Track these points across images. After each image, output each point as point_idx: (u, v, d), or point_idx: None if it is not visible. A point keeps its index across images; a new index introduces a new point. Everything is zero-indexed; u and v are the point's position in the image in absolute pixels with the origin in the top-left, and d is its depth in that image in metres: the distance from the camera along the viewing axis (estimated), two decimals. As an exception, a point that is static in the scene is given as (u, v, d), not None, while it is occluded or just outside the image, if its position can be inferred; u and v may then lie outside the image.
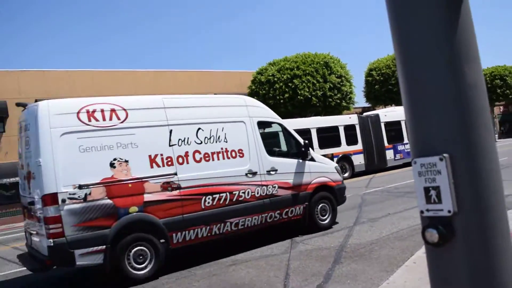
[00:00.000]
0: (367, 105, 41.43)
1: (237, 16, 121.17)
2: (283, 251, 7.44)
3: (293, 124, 20.14)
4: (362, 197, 13.31)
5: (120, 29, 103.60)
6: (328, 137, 21.01)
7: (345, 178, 20.31)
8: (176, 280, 6.42)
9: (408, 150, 23.08)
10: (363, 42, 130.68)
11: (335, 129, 21.44)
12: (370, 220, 9.36)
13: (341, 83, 31.66)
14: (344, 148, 21.35)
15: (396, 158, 23.10)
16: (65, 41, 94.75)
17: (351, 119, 22.38)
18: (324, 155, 19.68)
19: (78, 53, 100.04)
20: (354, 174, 21.38)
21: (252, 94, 32.26)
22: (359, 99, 39.64)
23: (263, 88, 31.28)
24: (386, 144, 22.83)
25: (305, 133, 19.52)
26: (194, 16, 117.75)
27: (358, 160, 21.84)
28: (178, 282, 6.31)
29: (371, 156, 22.27)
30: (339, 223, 9.34)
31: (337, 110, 31.18)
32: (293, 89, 30.20)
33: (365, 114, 25.37)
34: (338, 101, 31.30)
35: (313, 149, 19.33)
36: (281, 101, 30.18)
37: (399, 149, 23.32)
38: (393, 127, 23.40)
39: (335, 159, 20.18)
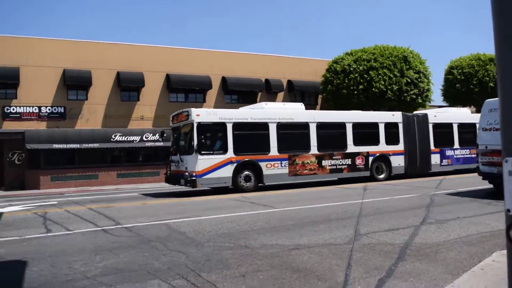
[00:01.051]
0: (444, 104, 39.85)
1: (315, 4, 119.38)
2: (346, 241, 7.47)
3: (326, 116, 19.72)
4: (431, 198, 12.96)
5: (212, 11, 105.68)
6: (365, 133, 20.13)
7: (380, 180, 19.69)
8: (240, 256, 6.64)
9: (459, 156, 21.76)
10: (445, 39, 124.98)
11: (374, 125, 20.23)
12: (437, 221, 9.13)
13: (418, 79, 30.72)
14: (382, 147, 20.16)
15: (442, 164, 21.69)
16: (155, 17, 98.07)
17: (394, 116, 20.95)
18: (357, 153, 19.55)
19: (170, 31, 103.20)
20: (391, 177, 20.17)
21: (326, 82, 32.05)
22: (436, 97, 38.12)
23: (337, 78, 30.91)
24: (432, 147, 21.48)
25: (339, 127, 19.29)
26: (275, 5, 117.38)
27: (397, 162, 20.44)
28: (241, 258, 6.52)
29: (413, 159, 20.81)
30: (405, 221, 9.22)
31: (412, 106, 30.33)
32: (368, 81, 29.65)
33: (414, 112, 24.06)
34: (414, 96, 30.39)
35: (346, 146, 19.41)
36: (355, 92, 29.73)
37: (447, 154, 21.82)
38: (443, 130, 21.92)
39: (371, 158, 19.62)
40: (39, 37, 28.58)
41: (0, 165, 27.29)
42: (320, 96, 34.81)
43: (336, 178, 20.19)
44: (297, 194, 15.70)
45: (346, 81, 30.24)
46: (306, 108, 20.23)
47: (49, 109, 27.62)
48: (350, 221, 9.41)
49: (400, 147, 20.56)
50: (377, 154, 19.92)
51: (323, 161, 18.60)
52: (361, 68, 30.07)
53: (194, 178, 15.98)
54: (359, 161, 19.52)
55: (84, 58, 28.38)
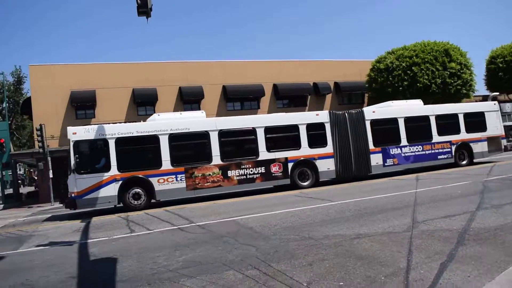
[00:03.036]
0: (487, 93, 38.03)
1: (356, 9, 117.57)
2: (405, 229, 7.26)
3: (230, 123, 16.68)
4: (483, 184, 12.35)
5: (254, 18, 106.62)
6: (282, 138, 17.12)
7: (304, 187, 16.82)
8: (305, 247, 6.61)
9: (408, 154, 18.71)
10: (483, 28, 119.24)
11: (292, 128, 17.10)
12: (493, 206, 8.69)
13: (461, 71, 29.45)
14: (305, 151, 16.99)
15: (386, 164, 18.23)
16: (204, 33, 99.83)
17: (319, 116, 17.67)
18: (272, 160, 16.58)
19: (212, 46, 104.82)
20: (319, 183, 17.24)
21: (370, 82, 31.40)
22: (479, 87, 36.35)
23: (381, 76, 30.19)
24: (371, 146, 18.01)
25: (246, 133, 16.59)
26: (317, 8, 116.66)
27: (326, 166, 17.23)
28: (306, 248, 6.49)
29: (346, 161, 17.59)
30: (461, 207, 8.85)
31: (456, 97, 29.08)
32: (412, 77, 28.77)
33: (349, 110, 19.82)
34: (458, 87, 29.17)
35: (258, 153, 16.34)
36: (400, 88, 28.93)
37: (391, 153, 18.36)
38: (385, 126, 18.50)
39: (291, 164, 16.68)
40: (110, 62, 29.87)
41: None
42: (366, 95, 34.13)
43: (247, 189, 16.67)
44: (353, 187, 15.41)
45: (390, 78, 29.45)
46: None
47: (123, 124, 28.65)
48: (406, 210, 9.14)
49: (328, 149, 17.34)
50: (298, 159, 16.85)
51: (228, 172, 15.86)
52: (403, 65, 29.21)
53: (74, 199, 14.20)
54: (275, 169, 16.51)
55: (150, 77, 29.38)
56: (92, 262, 7.20)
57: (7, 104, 35.77)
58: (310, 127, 17.29)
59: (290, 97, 33.32)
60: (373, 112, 18.56)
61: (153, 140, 15.20)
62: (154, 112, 29.29)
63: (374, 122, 18.17)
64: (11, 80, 38.87)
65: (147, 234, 9.42)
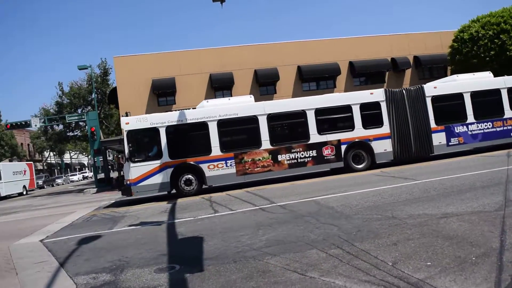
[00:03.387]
0: None
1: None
2: (496, 208, 6.85)
3: (279, 107, 16.19)
4: None
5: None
6: (334, 120, 16.47)
7: (359, 170, 15.93)
8: (389, 226, 6.49)
9: (475, 132, 17.13)
10: None
11: (345, 109, 16.38)
12: None
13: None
14: (358, 132, 16.27)
15: (450, 143, 16.90)
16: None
17: (373, 95, 16.70)
18: (323, 143, 15.80)
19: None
20: (376, 165, 16.41)
21: (454, 53, 29.47)
22: None
23: (465, 47, 28.19)
24: (433, 125, 16.79)
25: (297, 116, 16.07)
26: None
27: (382, 147, 16.36)
28: (390, 228, 6.37)
29: (404, 142, 16.58)
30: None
31: (553, 66, 26.46)
32: (499, 46, 26.51)
33: (405, 87, 19.35)
34: (556, 55, 26.48)
35: (309, 136, 15.75)
36: (486, 59, 26.84)
37: (456, 131, 16.93)
38: (448, 102, 17.07)
39: (344, 146, 16.04)
40: (188, 50, 30.81)
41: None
42: (449, 68, 32.19)
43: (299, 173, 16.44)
44: (439, 165, 14.73)
45: (475, 49, 27.41)
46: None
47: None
48: (497, 188, 8.59)
49: (385, 129, 16.40)
50: (352, 141, 16.14)
51: (278, 156, 15.62)
52: (490, 33, 27.00)
53: (129, 186, 14.80)
54: (327, 152, 15.96)
55: (226, 61, 29.92)
56: (180, 241, 7.61)
57: (96, 95, 38.26)
58: (364, 106, 16.42)
59: (367, 74, 32.40)
60: (435, 87, 17.19)
61: (202, 126, 15.37)
62: (231, 96, 30.03)
63: (436, 99, 16.82)
64: (98, 72, 41.46)
65: (230, 214, 9.76)
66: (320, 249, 5.72)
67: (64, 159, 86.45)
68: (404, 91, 16.97)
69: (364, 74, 32.27)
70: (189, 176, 15.18)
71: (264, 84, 30.74)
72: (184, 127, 15.40)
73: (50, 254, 7.83)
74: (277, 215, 8.67)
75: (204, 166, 15.21)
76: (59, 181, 61.32)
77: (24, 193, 38.31)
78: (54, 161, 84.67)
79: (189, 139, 15.63)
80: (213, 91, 30.17)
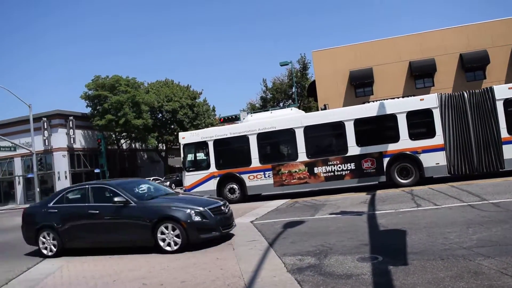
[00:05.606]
0: None
1: None
2: None
3: (316, 119, 15.67)
4: None
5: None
6: (375, 130, 15.07)
7: (405, 185, 13.88)
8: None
9: None
10: None
11: (389, 118, 14.57)
12: None
13: None
14: (404, 144, 14.28)
15: None
16: None
17: (424, 101, 14.36)
18: (363, 155, 14.43)
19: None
20: (426, 180, 14.37)
21: None
22: None
23: None
24: (505, 134, 13.48)
25: (335, 128, 15.38)
26: None
27: (433, 161, 13.98)
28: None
29: (463, 154, 13.82)
30: None
31: None
32: None
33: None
34: None
35: (347, 148, 14.22)
36: None
37: None
38: None
39: (386, 159, 14.40)
40: (386, 38, 29.92)
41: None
42: None
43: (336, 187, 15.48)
44: None
45: None
46: None
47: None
48: None
49: (437, 140, 14.06)
50: (396, 154, 14.35)
51: (315, 169, 15.22)
52: None
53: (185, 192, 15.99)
54: (366, 165, 14.68)
55: (426, 47, 28.08)
56: (381, 232, 7.57)
57: (296, 89, 40.37)
58: (412, 115, 14.55)
59: None
60: (510, 88, 13.77)
61: (244, 139, 16.24)
62: (433, 85, 28.13)
63: (511, 102, 13.55)
64: (297, 67, 43.60)
65: (434, 209, 9.26)
66: (546, 255, 5.01)
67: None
68: (465, 94, 14.19)
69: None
70: (233, 185, 16.35)
71: (471, 69, 27.78)
72: (228, 140, 16.67)
73: (260, 234, 8.73)
74: (490, 214, 7.87)
75: (245, 177, 16.18)
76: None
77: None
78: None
79: (233, 151, 16.94)
80: (413, 80, 28.67)
